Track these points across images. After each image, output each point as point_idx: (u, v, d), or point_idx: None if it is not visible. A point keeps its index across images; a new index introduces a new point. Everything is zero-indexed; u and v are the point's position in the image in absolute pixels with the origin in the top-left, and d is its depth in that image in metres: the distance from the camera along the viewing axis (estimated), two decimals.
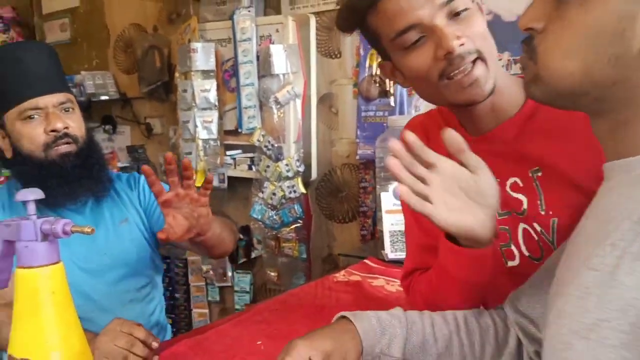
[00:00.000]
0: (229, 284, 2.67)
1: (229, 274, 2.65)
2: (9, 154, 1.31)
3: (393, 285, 1.47)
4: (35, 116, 1.26)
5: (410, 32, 0.81)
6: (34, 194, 0.78)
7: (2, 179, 3.10)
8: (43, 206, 1.26)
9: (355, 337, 0.78)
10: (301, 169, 2.25)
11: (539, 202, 0.87)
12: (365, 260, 1.66)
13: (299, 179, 2.26)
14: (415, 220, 1.02)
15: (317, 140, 2.32)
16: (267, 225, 2.33)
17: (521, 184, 0.89)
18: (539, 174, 0.87)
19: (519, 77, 0.90)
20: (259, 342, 1.12)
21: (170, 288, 2.88)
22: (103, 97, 2.89)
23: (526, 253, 0.90)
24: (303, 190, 2.27)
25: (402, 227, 1.62)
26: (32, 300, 0.76)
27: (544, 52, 0.58)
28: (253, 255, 2.58)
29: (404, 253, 1.63)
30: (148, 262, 1.45)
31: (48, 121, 1.26)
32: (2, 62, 1.28)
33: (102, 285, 1.34)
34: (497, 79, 0.83)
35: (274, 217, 2.29)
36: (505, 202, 0.89)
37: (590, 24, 0.54)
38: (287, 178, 2.24)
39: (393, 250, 1.63)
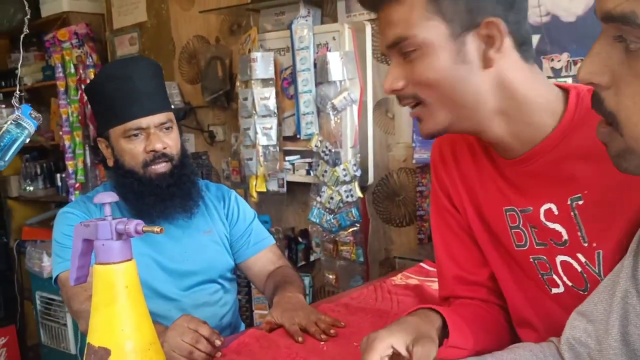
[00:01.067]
0: None
1: None
2: (110, 163, 1.42)
3: None
4: (138, 135, 1.35)
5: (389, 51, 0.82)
6: (110, 197, 0.85)
7: (77, 185, 3.30)
8: (136, 217, 1.36)
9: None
10: (358, 173, 2.28)
11: (579, 233, 0.80)
12: (421, 264, 1.68)
13: (356, 183, 2.30)
14: (447, 252, 1.00)
15: (374, 145, 2.35)
16: (325, 229, 2.38)
17: (556, 212, 0.81)
18: (580, 202, 0.79)
19: (555, 86, 0.82)
20: (322, 343, 1.15)
21: None
22: None
23: (569, 283, 0.85)
24: (360, 194, 2.30)
25: None
26: (108, 294, 0.83)
27: (628, 120, 0.48)
28: (312, 258, 2.63)
29: None
30: (225, 271, 1.52)
31: (149, 141, 1.35)
32: (114, 79, 1.35)
33: (180, 288, 1.43)
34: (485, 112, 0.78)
35: (332, 220, 2.34)
36: (542, 233, 0.84)
37: None
38: (345, 182, 2.28)
39: None
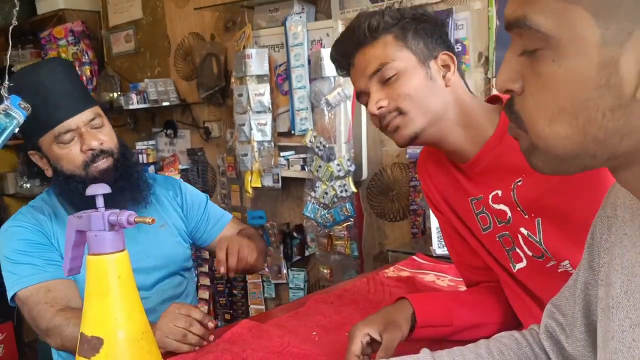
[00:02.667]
0: (284, 281, 2.75)
1: (284, 271, 2.73)
2: (49, 173, 1.34)
3: (443, 280, 1.50)
4: (70, 137, 1.28)
5: (361, 97, 1.04)
6: (102, 188, 0.87)
7: None
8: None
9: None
10: (352, 168, 2.30)
11: (518, 209, 0.97)
12: (414, 257, 1.69)
13: (350, 178, 2.31)
14: (450, 247, 1.17)
15: (368, 140, 2.37)
16: (320, 224, 2.40)
17: (500, 195, 0.99)
18: (519, 183, 0.96)
19: (487, 101, 1.04)
20: (314, 333, 1.17)
21: (228, 285, 2.99)
22: (165, 103, 3.03)
23: (529, 253, 0.98)
24: (354, 189, 2.32)
25: None
26: (101, 284, 0.85)
27: (530, 119, 0.51)
28: (307, 253, 2.65)
29: None
30: (184, 262, 1.50)
31: (83, 140, 1.28)
32: (26, 89, 1.24)
33: (144, 286, 1.37)
34: (445, 119, 0.97)
35: (326, 215, 2.35)
36: (495, 214, 1.01)
37: (569, 80, 0.47)
38: (339, 177, 2.30)
39: (440, 246, 1.66)
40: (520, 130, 0.54)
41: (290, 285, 2.72)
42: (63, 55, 3.35)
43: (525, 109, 0.52)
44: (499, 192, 0.99)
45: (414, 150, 2.16)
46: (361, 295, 1.40)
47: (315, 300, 1.35)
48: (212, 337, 1.14)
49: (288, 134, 2.52)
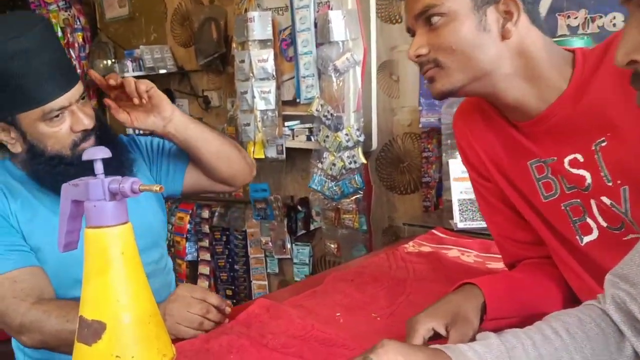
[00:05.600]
0: (288, 256, 2.67)
1: (288, 246, 2.64)
2: (17, 149, 1.17)
3: (469, 256, 1.41)
4: (60, 115, 1.14)
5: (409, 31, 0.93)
6: (102, 152, 0.76)
7: None
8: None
9: None
10: (361, 138, 2.19)
11: (602, 174, 0.86)
12: (433, 231, 1.60)
13: (359, 149, 2.21)
14: (490, 220, 1.06)
15: (378, 109, 2.26)
16: (327, 197, 2.30)
17: (582, 160, 0.88)
18: (604, 144, 0.86)
19: (564, 50, 0.90)
20: (338, 314, 1.08)
21: (230, 260, 2.90)
22: (161, 71, 2.91)
23: (604, 224, 0.89)
24: (363, 160, 2.22)
25: (472, 195, 1.55)
26: (101, 261, 0.74)
27: None
28: (312, 227, 2.56)
29: (474, 222, 1.56)
30: (162, 230, 1.37)
31: (74, 119, 1.15)
32: (16, 55, 1.07)
33: None
34: (506, 71, 0.86)
35: (334, 188, 2.25)
36: (569, 179, 0.90)
37: None
38: (347, 148, 2.19)
39: (462, 219, 1.56)
40: None
41: (295, 261, 2.64)
42: (54, 21, 3.20)
43: None
44: (579, 156, 0.88)
45: (428, 119, 2.05)
46: (382, 272, 1.30)
47: (333, 278, 1.25)
48: (226, 321, 1.04)
49: (293, 103, 2.40)
